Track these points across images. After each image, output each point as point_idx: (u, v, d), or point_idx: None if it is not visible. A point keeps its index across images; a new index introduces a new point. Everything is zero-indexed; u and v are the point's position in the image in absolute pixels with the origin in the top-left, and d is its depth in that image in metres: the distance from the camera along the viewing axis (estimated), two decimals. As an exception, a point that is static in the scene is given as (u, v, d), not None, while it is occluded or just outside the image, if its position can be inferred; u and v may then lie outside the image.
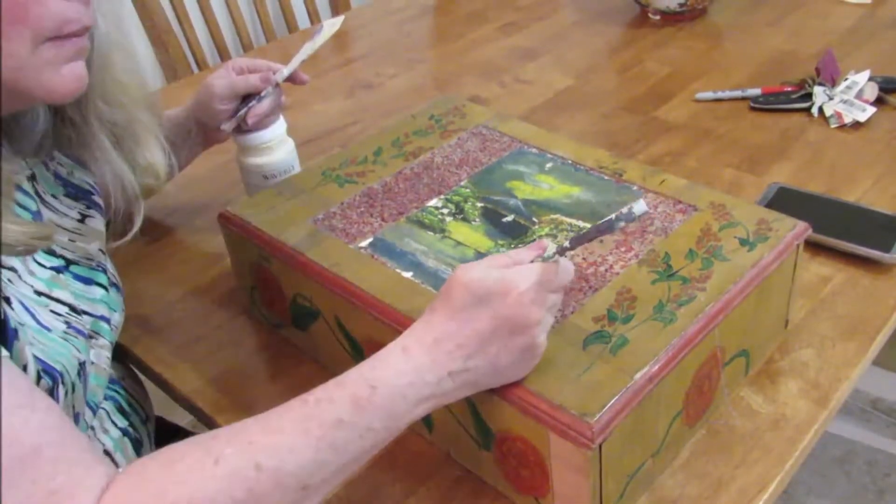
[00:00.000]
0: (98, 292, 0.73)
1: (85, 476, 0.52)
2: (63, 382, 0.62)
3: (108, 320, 0.72)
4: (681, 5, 1.41)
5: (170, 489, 0.51)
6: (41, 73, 0.59)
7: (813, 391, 0.74)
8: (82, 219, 0.76)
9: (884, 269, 0.86)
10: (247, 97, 0.92)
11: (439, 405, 0.59)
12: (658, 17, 1.46)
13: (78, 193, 0.77)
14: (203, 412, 0.78)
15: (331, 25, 0.94)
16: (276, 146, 0.95)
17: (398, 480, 0.70)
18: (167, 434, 0.91)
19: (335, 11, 1.78)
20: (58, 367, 0.62)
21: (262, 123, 0.93)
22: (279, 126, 0.95)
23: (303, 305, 0.78)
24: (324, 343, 0.78)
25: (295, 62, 0.92)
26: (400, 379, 0.57)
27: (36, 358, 0.60)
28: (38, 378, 0.59)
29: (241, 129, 0.93)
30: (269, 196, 0.84)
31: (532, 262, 0.60)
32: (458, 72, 1.36)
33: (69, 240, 0.72)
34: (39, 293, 0.65)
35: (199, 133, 0.97)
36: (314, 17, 1.73)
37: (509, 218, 0.78)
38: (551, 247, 0.62)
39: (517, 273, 0.59)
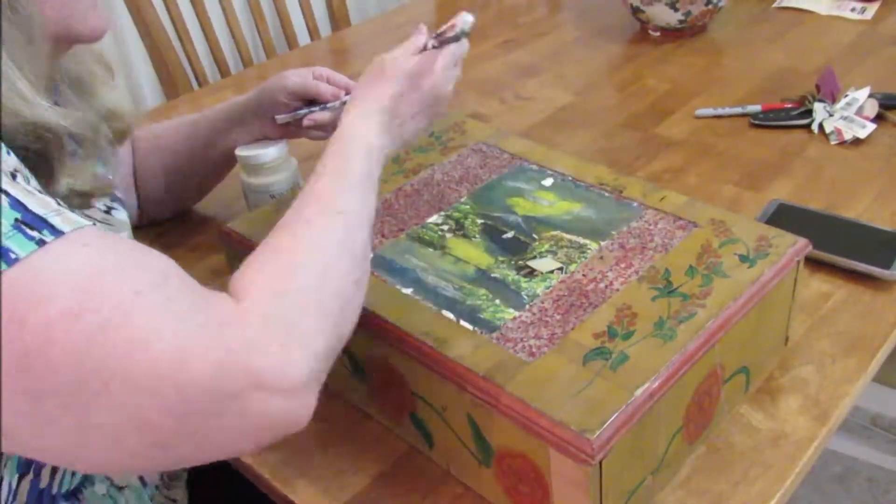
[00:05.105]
0: None
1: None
2: None
3: None
4: (681, 22, 1.42)
5: (292, 252, 0.61)
6: (86, 14, 0.67)
7: (813, 408, 0.74)
8: (108, 210, 0.79)
9: (884, 285, 0.86)
10: (311, 102, 0.93)
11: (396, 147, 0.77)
12: (658, 34, 1.47)
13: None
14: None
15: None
16: (281, 165, 0.95)
17: (398, 497, 0.70)
18: None
19: (335, 27, 1.79)
20: None
21: (315, 134, 0.94)
22: (283, 145, 0.95)
23: (303, 321, 0.78)
24: (323, 359, 0.78)
25: None
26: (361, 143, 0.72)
27: None
28: None
29: (290, 129, 0.94)
30: (270, 212, 0.84)
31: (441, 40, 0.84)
32: (458, 88, 1.35)
33: None
34: None
35: (252, 121, 0.97)
36: (314, 34, 1.74)
37: (509, 234, 0.78)
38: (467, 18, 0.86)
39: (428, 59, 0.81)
